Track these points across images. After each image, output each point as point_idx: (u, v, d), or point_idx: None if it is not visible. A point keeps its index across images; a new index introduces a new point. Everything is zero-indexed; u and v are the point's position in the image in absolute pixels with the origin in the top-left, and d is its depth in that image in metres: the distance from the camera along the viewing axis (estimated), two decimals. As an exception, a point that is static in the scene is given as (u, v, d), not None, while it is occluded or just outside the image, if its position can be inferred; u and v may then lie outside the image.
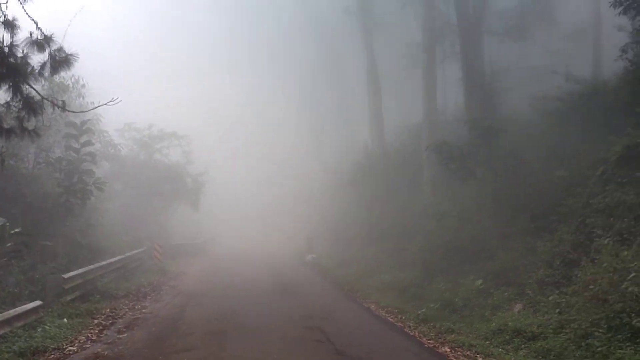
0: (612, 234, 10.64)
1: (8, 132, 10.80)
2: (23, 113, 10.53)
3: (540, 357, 8.74)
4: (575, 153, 14.50)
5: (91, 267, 15.95)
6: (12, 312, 10.28)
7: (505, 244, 13.84)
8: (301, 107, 50.67)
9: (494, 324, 10.64)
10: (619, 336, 7.94)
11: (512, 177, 15.69)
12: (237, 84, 54.03)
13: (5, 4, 10.00)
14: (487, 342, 9.90)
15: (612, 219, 10.99)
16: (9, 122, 11.11)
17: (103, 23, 48.66)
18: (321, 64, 45.69)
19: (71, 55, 10.81)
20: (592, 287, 9.44)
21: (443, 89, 28.32)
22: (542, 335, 9.36)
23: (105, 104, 10.44)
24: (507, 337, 9.86)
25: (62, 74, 12.40)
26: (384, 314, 13.50)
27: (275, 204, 52.54)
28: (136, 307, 14.30)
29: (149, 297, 16.03)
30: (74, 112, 13.29)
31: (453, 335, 10.62)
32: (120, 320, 12.50)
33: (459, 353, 9.43)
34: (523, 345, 9.35)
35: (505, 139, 16.61)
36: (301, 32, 45.36)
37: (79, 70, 13.29)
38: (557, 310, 10.11)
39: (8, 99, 10.65)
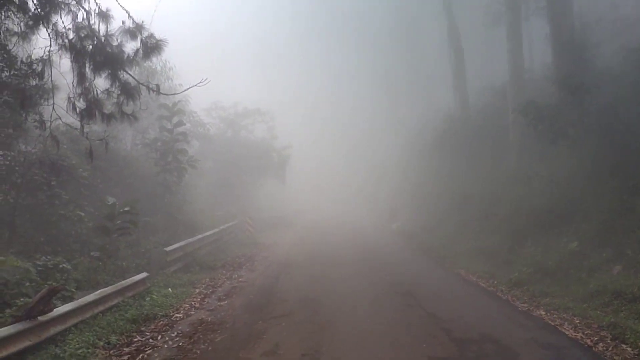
0: None
1: (109, 117, 11.61)
2: (122, 98, 11.27)
3: (642, 318, 8.48)
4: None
5: (189, 240, 16.92)
6: (124, 283, 11.20)
7: (600, 205, 13.26)
8: (378, 75, 50.16)
9: (591, 286, 10.36)
10: None
11: (607, 134, 14.93)
12: (314, 57, 54.34)
13: (100, -4, 10.67)
14: (585, 304, 9.68)
15: None
16: (109, 108, 11.91)
17: (184, 4, 50.19)
18: (398, 30, 44.91)
19: (161, 41, 11.41)
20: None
21: (528, 47, 27.08)
22: (645, 297, 9.05)
23: (195, 85, 10.95)
24: (606, 299, 9.60)
25: (153, 59, 13.02)
26: (474, 278, 13.44)
27: (356, 174, 52.72)
28: (233, 277, 15.05)
29: (243, 268, 16.78)
30: (166, 94, 13.98)
31: (548, 299, 10.44)
32: (219, 289, 13.23)
33: (554, 316, 9.30)
34: (623, 307, 9.09)
35: (598, 95, 15.78)
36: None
37: (165, 54, 13.94)
38: (661, 270, 9.71)
39: (107, 86, 11.44)
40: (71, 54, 10.70)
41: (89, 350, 7.99)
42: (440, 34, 33.89)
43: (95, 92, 11.16)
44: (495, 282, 12.64)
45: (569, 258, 12.30)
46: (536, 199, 15.99)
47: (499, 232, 16.81)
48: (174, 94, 14.11)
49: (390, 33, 45.74)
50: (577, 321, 8.81)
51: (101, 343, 8.39)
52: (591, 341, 7.78)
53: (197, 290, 12.98)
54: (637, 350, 7.27)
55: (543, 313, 9.60)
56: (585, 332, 8.19)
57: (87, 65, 10.89)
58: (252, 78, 50.76)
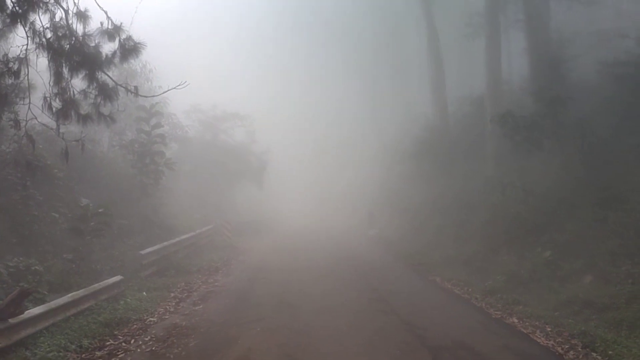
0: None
1: (85, 118, 11.48)
2: (99, 99, 11.15)
3: (612, 327, 8.65)
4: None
5: (165, 243, 16.78)
6: (97, 286, 11.07)
7: (573, 215, 13.49)
8: (359, 81, 50.23)
9: (563, 295, 10.55)
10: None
11: (581, 146, 15.19)
12: (296, 62, 54.40)
13: (78, -5, 10.56)
14: (556, 313, 9.84)
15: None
16: (85, 109, 11.77)
17: (165, 6, 49.66)
18: (380, 36, 45.15)
19: (139, 44, 11.34)
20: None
21: (507, 59, 27.39)
22: (614, 306, 9.25)
23: (174, 88, 10.89)
24: (577, 308, 9.78)
25: (132, 61, 12.89)
26: (449, 286, 13.54)
27: (334, 181, 52.78)
28: (209, 281, 14.96)
29: (220, 272, 16.68)
30: (145, 96, 13.87)
31: (520, 307, 10.58)
32: (194, 294, 13.14)
33: (527, 323, 9.43)
34: (594, 316, 9.26)
35: (574, 107, 16.04)
36: (357, 4, 44.96)
37: (145, 55, 13.80)
38: (630, 280, 9.92)
39: (84, 87, 11.31)
40: (48, 53, 10.56)
41: (60, 354, 7.90)
42: (421, 42, 34.10)
43: (72, 93, 11.02)
44: (470, 289, 12.75)
45: (542, 267, 12.46)
46: (511, 208, 16.17)
47: (474, 240, 16.96)
48: (153, 95, 13.97)
49: (373, 39, 45.92)
50: (549, 329, 8.94)
51: (73, 346, 8.29)
52: (562, 349, 7.90)
53: (172, 294, 12.88)
54: (607, 358, 7.41)
55: (516, 321, 9.73)
56: (557, 340, 8.31)
57: (64, 65, 10.75)
58: (233, 81, 50.41)
